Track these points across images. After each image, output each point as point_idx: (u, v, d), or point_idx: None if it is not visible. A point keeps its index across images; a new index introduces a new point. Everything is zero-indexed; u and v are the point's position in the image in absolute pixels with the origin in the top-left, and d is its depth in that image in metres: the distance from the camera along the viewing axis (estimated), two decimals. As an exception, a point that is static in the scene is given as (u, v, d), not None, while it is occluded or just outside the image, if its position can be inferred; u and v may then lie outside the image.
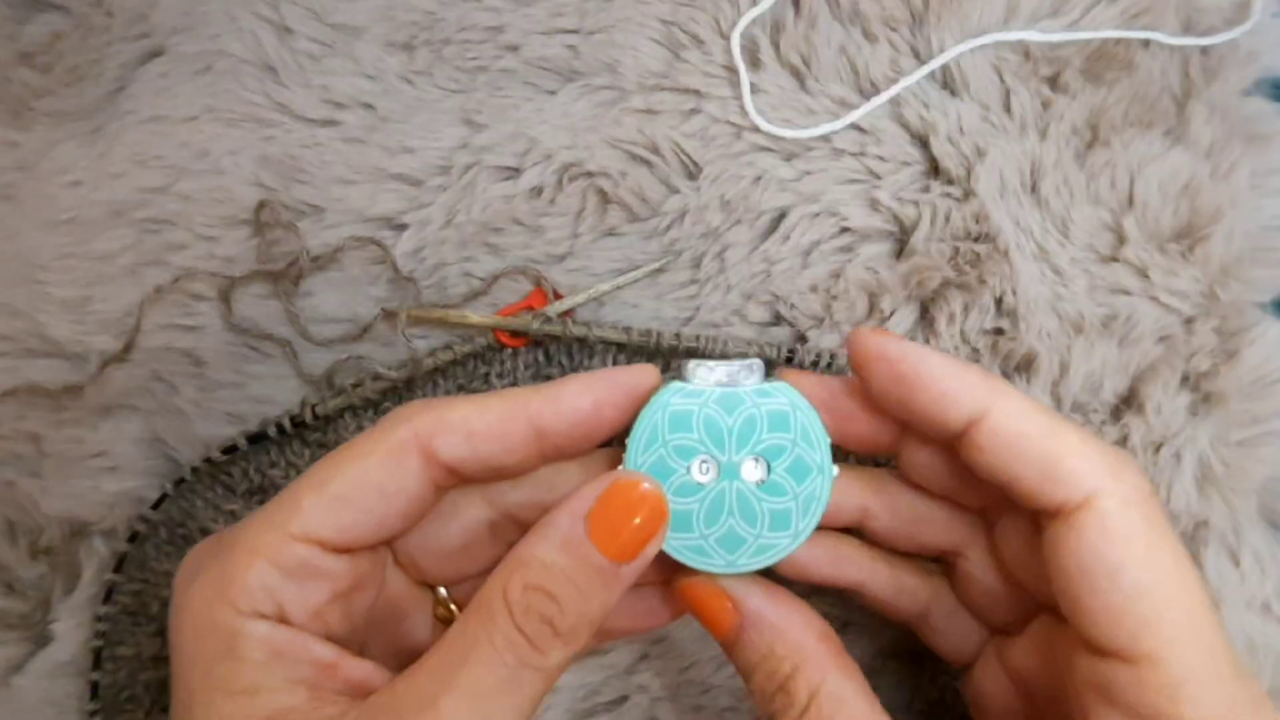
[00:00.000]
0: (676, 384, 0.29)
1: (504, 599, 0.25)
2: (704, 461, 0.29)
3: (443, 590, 0.32)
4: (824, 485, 0.29)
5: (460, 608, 0.32)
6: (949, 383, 0.27)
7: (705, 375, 0.29)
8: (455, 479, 0.29)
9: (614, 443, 0.30)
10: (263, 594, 0.26)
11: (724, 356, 0.36)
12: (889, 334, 0.29)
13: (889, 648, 0.39)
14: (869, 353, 0.28)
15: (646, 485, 0.27)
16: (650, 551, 0.27)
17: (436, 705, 0.24)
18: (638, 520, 0.26)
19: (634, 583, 0.27)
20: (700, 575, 0.29)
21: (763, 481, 0.29)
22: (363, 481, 0.27)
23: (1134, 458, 0.33)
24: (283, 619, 0.26)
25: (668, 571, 0.30)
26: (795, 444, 0.29)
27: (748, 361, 0.29)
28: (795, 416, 0.29)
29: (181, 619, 0.26)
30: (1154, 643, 0.25)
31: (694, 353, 0.37)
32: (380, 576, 0.30)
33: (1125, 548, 0.25)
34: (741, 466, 0.29)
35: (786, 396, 0.29)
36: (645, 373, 0.29)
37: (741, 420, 0.29)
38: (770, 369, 0.32)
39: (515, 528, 0.31)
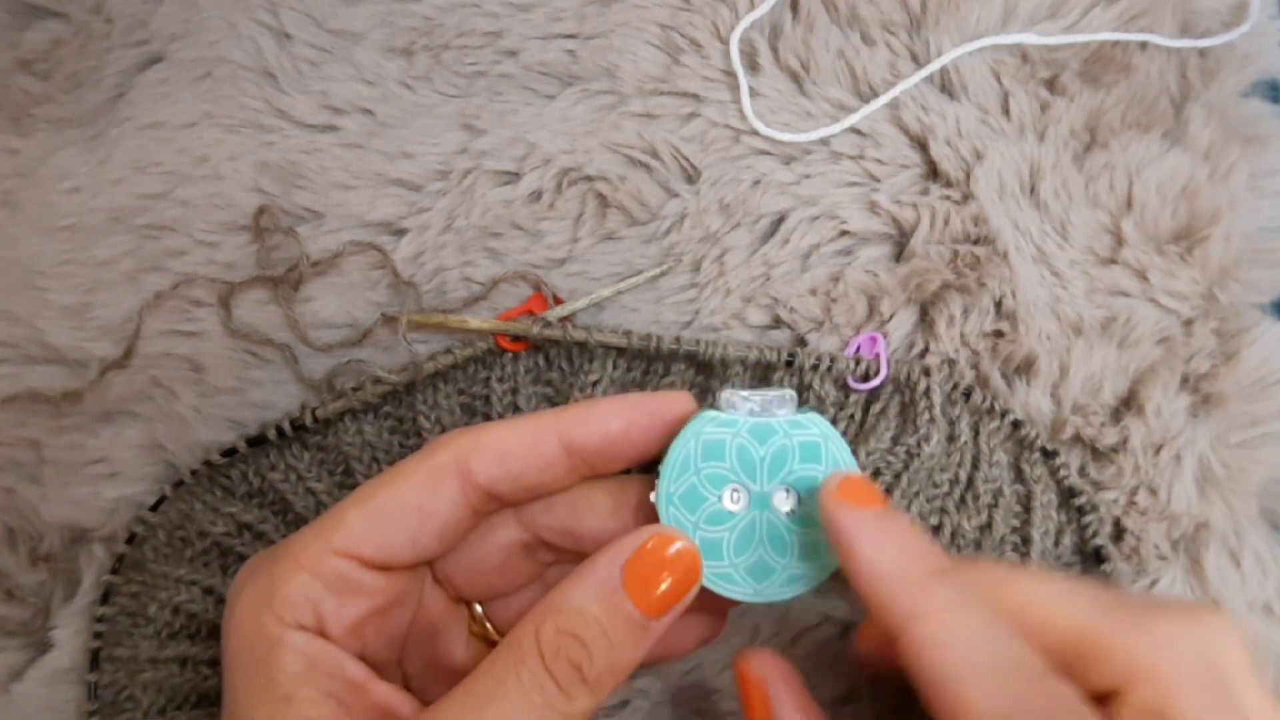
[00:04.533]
0: (711, 413, 0.29)
1: (536, 640, 0.26)
2: (735, 490, 0.29)
3: (479, 608, 0.33)
4: None
5: (494, 625, 0.33)
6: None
7: (739, 405, 0.30)
8: (493, 503, 0.30)
9: (649, 468, 0.30)
10: (304, 605, 0.27)
11: (757, 380, 0.36)
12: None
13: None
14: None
15: (682, 544, 0.27)
16: (680, 609, 0.27)
17: None
18: (670, 580, 0.27)
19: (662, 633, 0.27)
20: (750, 662, 0.30)
21: (793, 512, 0.29)
22: (403, 501, 0.28)
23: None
24: (321, 631, 0.27)
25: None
26: (826, 475, 0.29)
27: (781, 392, 0.30)
28: (827, 448, 0.29)
29: (230, 624, 0.27)
30: None
31: (693, 357, 0.37)
32: (417, 596, 0.31)
33: None
34: (773, 496, 0.29)
35: (818, 428, 0.29)
36: (679, 400, 0.30)
37: (774, 451, 0.29)
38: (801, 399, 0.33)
39: (547, 550, 0.32)
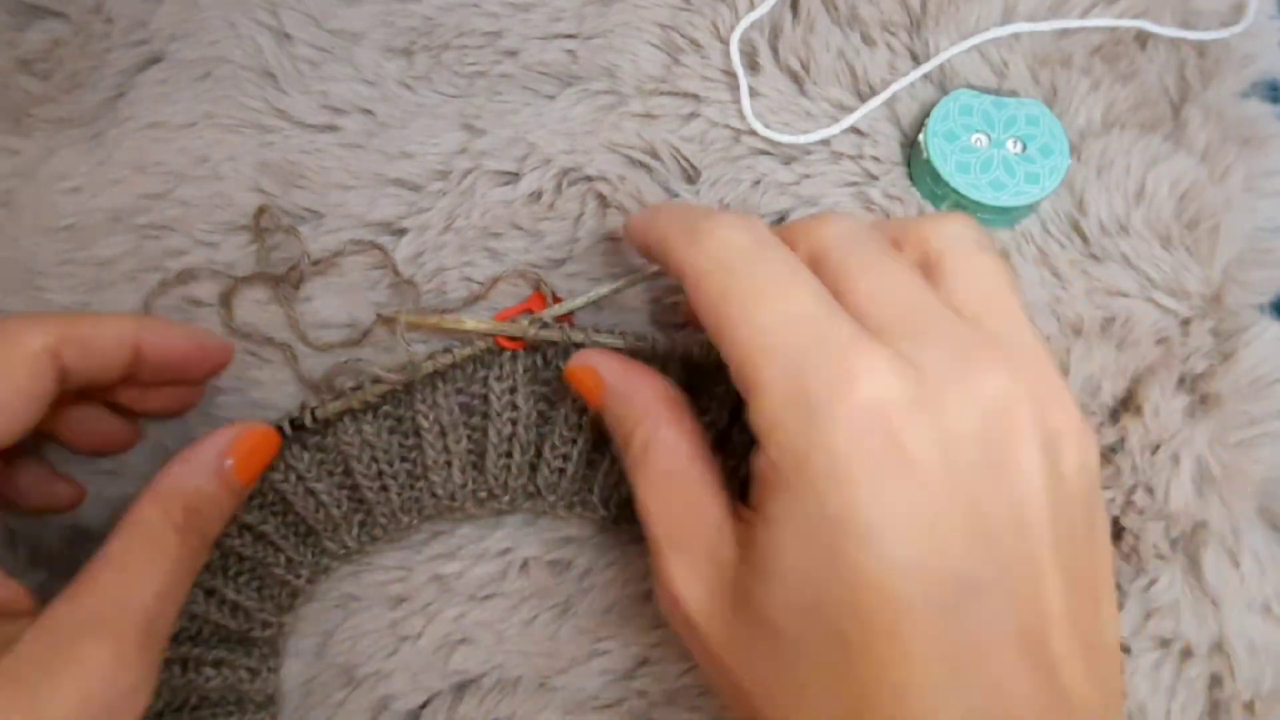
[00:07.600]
0: (965, 89, 0.40)
1: (168, 520, 0.31)
2: (979, 136, 0.39)
3: None
4: (1064, 161, 0.39)
5: None
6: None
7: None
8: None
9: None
10: None
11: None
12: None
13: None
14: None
15: (264, 429, 0.35)
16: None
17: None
18: (263, 456, 0.35)
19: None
20: (576, 356, 0.35)
21: (1020, 153, 0.39)
22: None
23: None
24: None
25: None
26: (1043, 135, 0.39)
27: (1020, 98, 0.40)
28: (1045, 120, 0.39)
29: None
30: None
31: (687, 359, 0.37)
32: None
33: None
34: (1006, 143, 0.39)
35: (1039, 109, 0.39)
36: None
37: (1007, 115, 0.39)
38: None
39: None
